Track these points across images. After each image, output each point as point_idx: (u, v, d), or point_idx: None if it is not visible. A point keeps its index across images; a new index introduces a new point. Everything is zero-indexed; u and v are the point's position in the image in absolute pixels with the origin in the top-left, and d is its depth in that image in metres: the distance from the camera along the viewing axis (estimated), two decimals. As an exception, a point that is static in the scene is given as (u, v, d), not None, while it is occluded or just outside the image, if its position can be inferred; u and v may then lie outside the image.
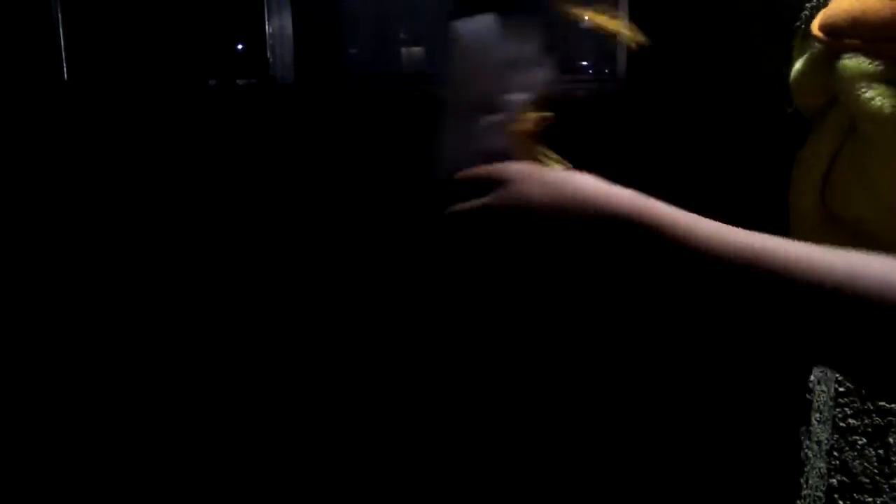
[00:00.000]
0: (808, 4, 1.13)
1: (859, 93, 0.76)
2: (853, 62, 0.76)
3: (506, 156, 0.71)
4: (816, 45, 0.92)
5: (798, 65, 0.85)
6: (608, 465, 1.49)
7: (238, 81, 1.78)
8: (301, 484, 1.78)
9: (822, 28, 0.79)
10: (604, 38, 1.64)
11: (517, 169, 0.67)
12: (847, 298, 0.54)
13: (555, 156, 0.74)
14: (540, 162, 0.72)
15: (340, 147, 1.62)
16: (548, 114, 0.74)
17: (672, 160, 1.27)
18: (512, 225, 0.65)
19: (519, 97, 0.72)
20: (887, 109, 0.73)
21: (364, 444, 1.71)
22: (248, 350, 1.80)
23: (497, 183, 0.66)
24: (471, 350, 1.56)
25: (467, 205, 0.66)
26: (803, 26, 1.12)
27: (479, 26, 0.73)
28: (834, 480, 1.74)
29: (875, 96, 0.74)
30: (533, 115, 0.73)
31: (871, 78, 0.74)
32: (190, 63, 1.79)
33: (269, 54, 1.73)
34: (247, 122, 1.71)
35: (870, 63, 0.75)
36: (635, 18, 1.34)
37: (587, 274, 0.65)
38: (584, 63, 1.65)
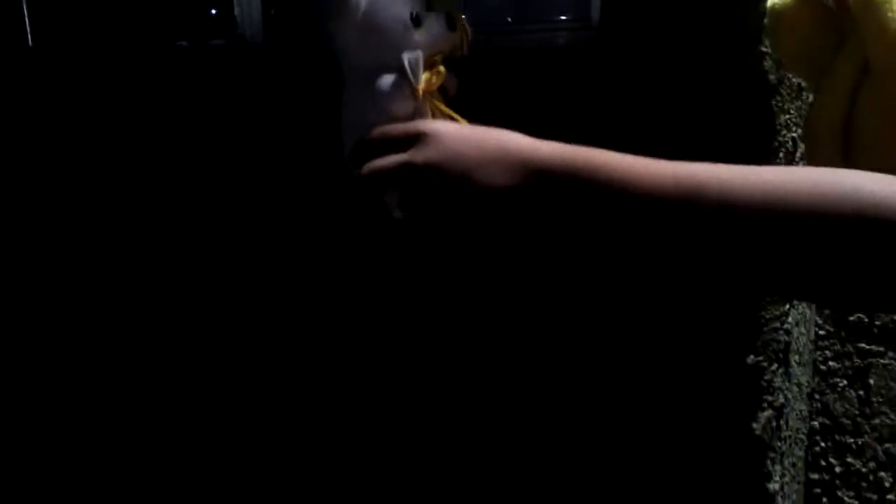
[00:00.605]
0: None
1: (887, 15, 0.69)
2: None
3: (409, 117, 0.68)
4: None
5: (781, 7, 0.80)
6: (572, 422, 1.49)
7: (208, 43, 1.74)
8: (300, 484, 1.78)
9: None
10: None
11: (434, 125, 0.63)
12: (784, 217, 0.51)
13: (454, 114, 0.71)
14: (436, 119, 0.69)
15: (310, 108, 1.58)
16: (441, 69, 0.70)
17: (647, 109, 1.25)
18: (437, 181, 0.60)
19: (413, 55, 0.68)
20: None
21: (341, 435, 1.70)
22: (221, 332, 1.78)
23: (415, 139, 0.62)
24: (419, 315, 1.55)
25: (387, 161, 0.62)
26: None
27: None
28: (816, 422, 1.74)
29: None
30: (429, 74, 0.69)
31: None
32: (158, 25, 1.75)
33: (237, 13, 1.69)
34: (216, 83, 1.68)
35: None
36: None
37: (517, 227, 0.63)
38: (557, 13, 1.62)
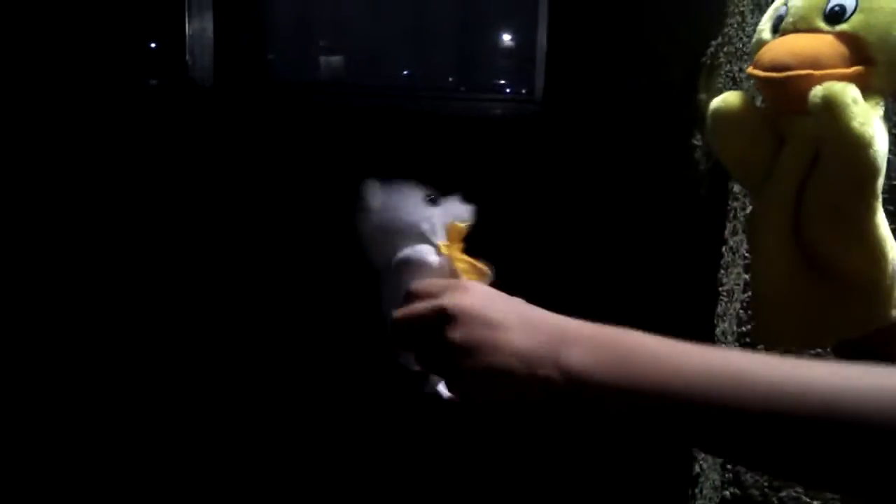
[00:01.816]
0: (713, 42, 1.19)
1: (848, 118, 0.73)
2: (839, 86, 0.76)
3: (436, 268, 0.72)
4: (731, 87, 0.92)
5: (722, 109, 0.84)
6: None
7: (152, 82, 1.74)
8: (300, 484, 1.74)
9: (767, 67, 0.79)
10: (519, 59, 1.67)
11: (465, 281, 0.66)
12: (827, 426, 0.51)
13: (479, 264, 0.74)
14: (461, 270, 0.72)
15: (258, 152, 1.60)
16: (460, 225, 0.74)
17: (587, 183, 1.30)
18: (466, 328, 0.61)
19: (429, 221, 0.72)
20: (868, 136, 0.73)
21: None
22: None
23: (447, 288, 0.65)
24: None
25: (419, 306, 0.64)
26: (709, 62, 1.17)
27: (388, 195, 0.74)
28: (727, 493, 1.80)
29: (864, 122, 0.73)
30: (448, 230, 0.73)
31: (854, 102, 0.74)
32: (106, 62, 1.74)
33: (188, 56, 1.70)
34: (163, 123, 1.68)
35: (850, 87, 0.75)
36: (554, 40, 1.37)
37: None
38: (502, 83, 1.68)
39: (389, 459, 1.60)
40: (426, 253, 0.72)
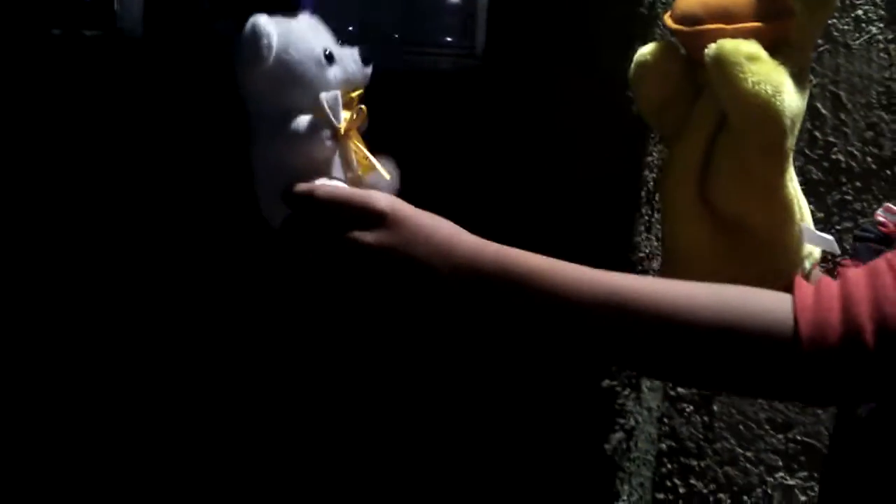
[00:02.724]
0: (650, -8, 1.17)
1: (742, 77, 0.71)
2: (731, 44, 0.74)
3: (330, 159, 0.68)
4: (669, 38, 0.90)
5: (646, 58, 0.82)
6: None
7: (84, 32, 1.67)
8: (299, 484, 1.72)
9: (678, 19, 0.78)
10: (462, 15, 1.64)
11: (392, 205, 0.66)
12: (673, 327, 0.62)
13: (371, 156, 0.71)
14: (357, 160, 0.70)
15: (191, 107, 1.55)
16: (362, 108, 0.71)
17: (526, 138, 1.29)
18: (382, 262, 0.64)
19: (331, 95, 0.67)
20: (765, 94, 0.70)
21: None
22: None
23: (370, 218, 0.64)
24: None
25: (350, 236, 0.64)
26: (646, 13, 1.15)
27: (282, 28, 0.67)
28: (663, 445, 1.84)
29: (758, 80, 0.70)
30: (349, 113, 0.69)
31: (751, 59, 0.72)
32: (32, 11, 1.67)
33: (116, 5, 1.63)
34: (91, 75, 1.61)
35: (746, 44, 0.72)
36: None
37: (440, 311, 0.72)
38: (444, 38, 1.65)
39: (389, 459, 1.59)
40: (320, 137, 0.66)
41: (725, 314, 0.61)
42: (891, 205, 0.89)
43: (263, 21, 0.66)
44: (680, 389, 1.58)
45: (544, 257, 0.66)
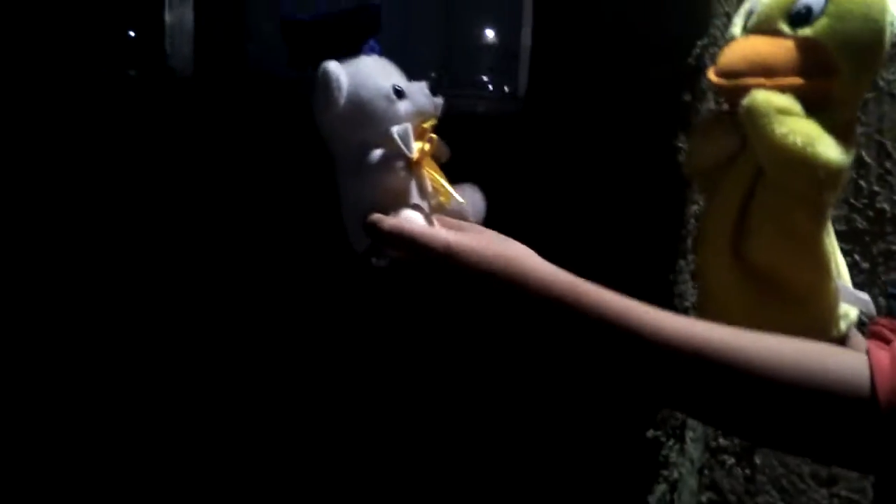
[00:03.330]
0: (699, 43, 1.17)
1: (771, 128, 0.70)
2: (763, 96, 0.73)
3: (406, 189, 0.70)
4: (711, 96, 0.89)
5: (701, 129, 0.82)
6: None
7: (136, 72, 1.71)
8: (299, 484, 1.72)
9: (720, 73, 0.77)
10: (503, 57, 1.66)
11: (454, 246, 0.67)
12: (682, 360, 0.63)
13: (447, 185, 0.74)
14: (435, 188, 0.72)
15: (237, 143, 1.58)
16: (433, 137, 0.73)
17: (567, 181, 1.29)
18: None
19: (402, 127, 0.69)
20: (796, 146, 0.69)
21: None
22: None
23: (436, 253, 0.66)
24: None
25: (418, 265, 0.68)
26: (694, 63, 1.15)
27: (352, 68, 0.71)
28: (704, 497, 1.80)
29: (787, 132, 0.69)
30: (421, 143, 0.71)
31: (783, 112, 0.71)
32: (86, 51, 1.72)
33: (167, 46, 1.67)
34: (142, 112, 1.65)
35: (779, 96, 0.71)
36: (539, 38, 1.36)
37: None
38: (484, 79, 1.67)
39: (389, 459, 1.58)
40: (394, 168, 0.68)
41: (808, 372, 0.60)
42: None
43: (333, 67, 0.69)
44: (721, 441, 1.55)
45: (620, 294, 0.66)
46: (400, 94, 0.71)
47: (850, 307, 0.81)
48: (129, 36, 1.67)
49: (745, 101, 0.72)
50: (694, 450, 1.49)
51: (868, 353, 0.62)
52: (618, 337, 0.63)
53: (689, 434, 1.45)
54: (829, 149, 0.71)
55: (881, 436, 0.58)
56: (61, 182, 1.68)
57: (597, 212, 1.25)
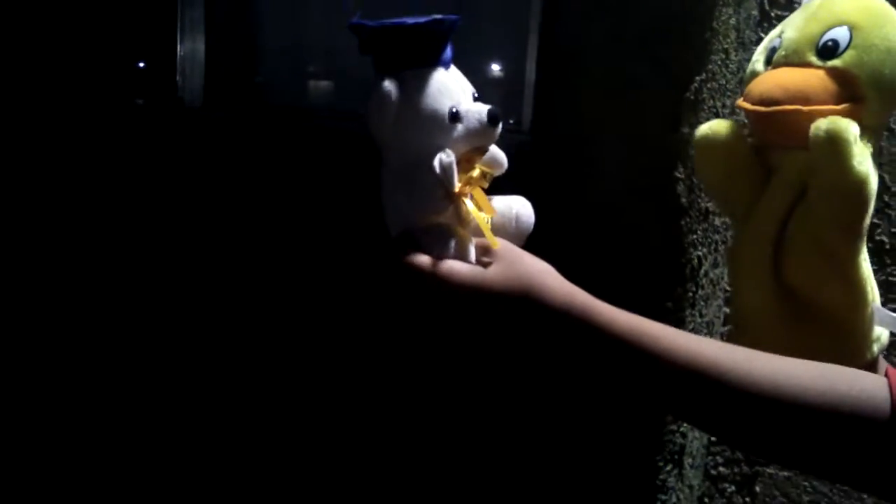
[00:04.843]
0: (697, 78, 1.20)
1: (851, 154, 0.72)
2: (844, 123, 0.76)
3: (440, 214, 0.72)
4: (717, 118, 0.91)
5: (711, 133, 0.84)
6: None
7: (146, 102, 1.74)
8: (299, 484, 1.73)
9: (756, 101, 0.80)
10: (509, 89, 1.69)
11: (480, 279, 0.70)
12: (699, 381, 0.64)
13: (488, 207, 0.75)
14: (474, 215, 0.75)
15: (246, 174, 1.60)
16: (479, 169, 0.74)
17: (570, 215, 1.32)
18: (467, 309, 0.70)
19: (446, 159, 0.70)
20: (865, 174, 0.73)
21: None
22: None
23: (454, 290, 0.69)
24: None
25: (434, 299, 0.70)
26: (692, 97, 1.17)
27: (417, 82, 0.71)
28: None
29: (860, 159, 0.73)
30: (466, 176, 0.73)
31: (855, 140, 0.74)
32: (96, 81, 1.75)
33: (178, 77, 1.71)
34: (152, 142, 1.68)
35: (852, 124, 0.74)
36: (543, 70, 1.40)
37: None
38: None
39: (389, 459, 1.58)
40: (436, 196, 0.70)
41: (825, 393, 0.61)
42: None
43: (387, 84, 0.69)
44: (722, 469, 1.56)
45: (637, 316, 0.68)
46: (455, 117, 0.71)
47: (882, 332, 0.83)
48: (140, 67, 1.71)
49: (824, 124, 0.74)
50: (693, 477, 1.50)
51: (887, 374, 0.63)
52: (631, 355, 0.65)
53: (688, 461, 1.46)
54: (875, 175, 0.75)
55: None
56: (69, 210, 1.70)
57: (598, 242, 1.27)
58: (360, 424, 1.60)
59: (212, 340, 1.67)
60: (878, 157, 0.83)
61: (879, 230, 1.53)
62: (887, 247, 1.53)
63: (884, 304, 1.55)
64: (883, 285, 1.54)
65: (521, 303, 0.68)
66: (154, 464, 1.74)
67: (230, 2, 1.75)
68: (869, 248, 1.57)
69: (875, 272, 1.57)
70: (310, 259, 1.56)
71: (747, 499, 1.56)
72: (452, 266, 0.68)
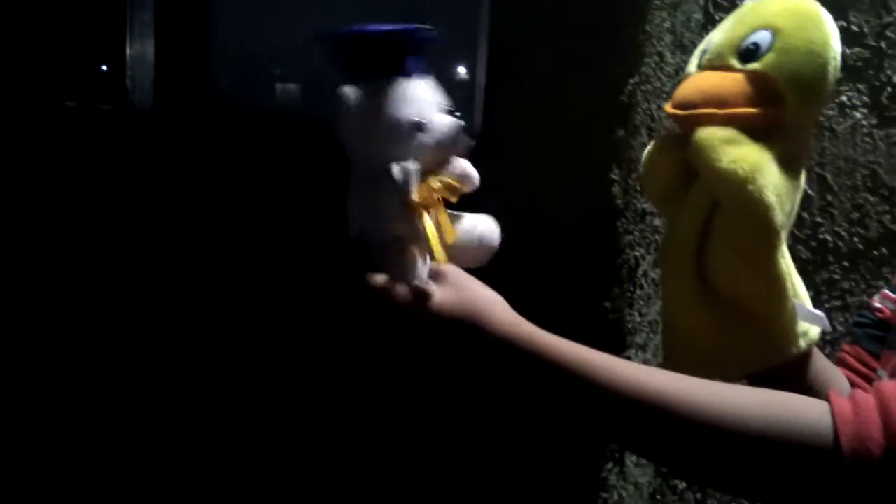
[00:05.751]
0: (631, 80, 1.21)
1: (717, 158, 0.75)
2: (707, 131, 0.77)
3: (396, 222, 0.71)
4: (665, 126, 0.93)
5: (654, 149, 0.86)
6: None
7: (97, 105, 1.74)
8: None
9: (675, 104, 0.82)
10: (461, 92, 1.70)
11: (440, 302, 0.70)
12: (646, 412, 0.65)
13: (450, 231, 0.75)
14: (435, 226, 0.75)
15: (198, 177, 1.60)
16: (444, 180, 0.73)
17: (512, 215, 1.32)
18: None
19: (403, 167, 0.69)
20: (741, 173, 0.74)
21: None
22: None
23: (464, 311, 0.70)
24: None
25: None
26: (626, 100, 1.19)
27: (388, 90, 0.71)
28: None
29: (732, 161, 0.74)
30: (427, 185, 0.72)
31: (727, 143, 0.75)
32: (47, 84, 1.74)
33: (128, 80, 1.70)
34: (102, 146, 1.68)
35: (722, 129, 0.76)
36: (493, 72, 1.41)
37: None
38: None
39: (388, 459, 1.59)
40: (396, 202, 0.69)
41: (770, 422, 0.61)
42: (888, 291, 0.91)
43: (346, 91, 0.70)
44: (669, 465, 1.57)
45: (581, 346, 0.68)
46: (420, 127, 0.70)
47: (811, 327, 0.84)
48: (91, 70, 1.70)
49: (693, 136, 0.76)
50: (639, 474, 1.51)
51: (829, 401, 0.63)
52: (576, 386, 0.66)
53: (631, 458, 1.47)
54: (777, 176, 0.76)
55: (845, 485, 0.59)
56: (20, 215, 1.69)
57: (536, 243, 1.28)
58: (347, 424, 1.60)
59: (170, 342, 1.66)
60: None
61: (822, 229, 1.55)
62: (830, 245, 1.55)
63: (826, 301, 1.57)
64: (826, 283, 1.56)
65: (465, 329, 0.68)
66: (151, 463, 1.73)
67: (181, 4, 1.75)
68: (812, 247, 1.60)
69: (818, 270, 1.60)
70: (261, 260, 1.57)
71: (699, 495, 1.58)
72: (398, 286, 0.69)
